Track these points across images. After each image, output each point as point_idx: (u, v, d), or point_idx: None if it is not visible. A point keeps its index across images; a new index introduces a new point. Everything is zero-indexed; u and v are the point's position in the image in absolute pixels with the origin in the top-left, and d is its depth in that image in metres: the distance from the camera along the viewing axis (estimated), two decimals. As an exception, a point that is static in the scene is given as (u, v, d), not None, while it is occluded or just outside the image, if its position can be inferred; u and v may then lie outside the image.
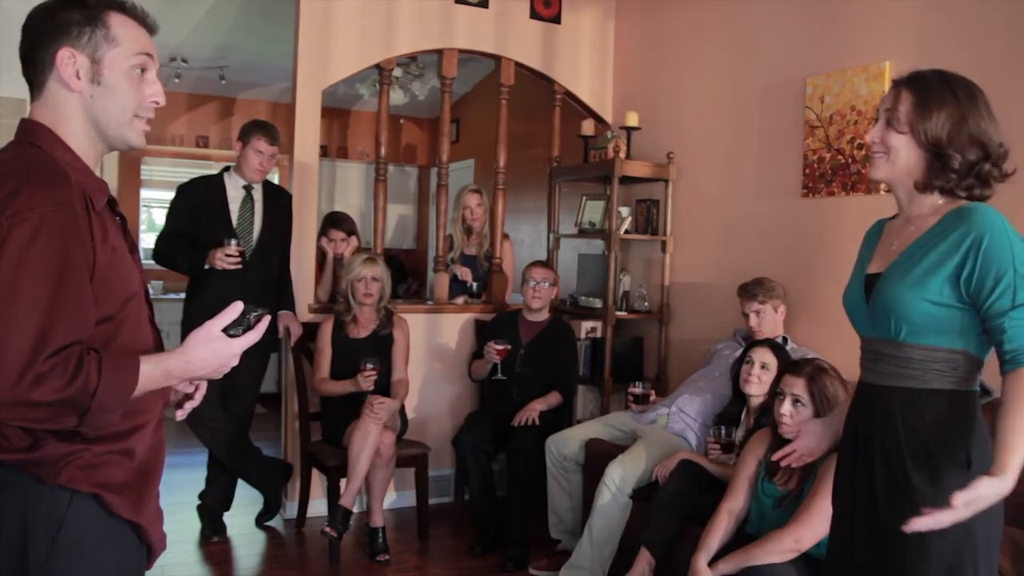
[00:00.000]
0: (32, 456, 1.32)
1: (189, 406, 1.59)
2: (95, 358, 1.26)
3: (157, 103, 1.46)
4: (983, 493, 1.52)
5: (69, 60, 1.37)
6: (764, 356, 3.02)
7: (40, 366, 1.21)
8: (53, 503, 1.34)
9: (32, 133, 1.39)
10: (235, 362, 1.42)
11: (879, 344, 1.76)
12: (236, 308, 1.39)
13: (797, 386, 2.53)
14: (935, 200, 1.74)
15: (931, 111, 1.69)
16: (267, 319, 1.42)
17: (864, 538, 1.77)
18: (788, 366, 2.67)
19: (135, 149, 1.50)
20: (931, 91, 1.70)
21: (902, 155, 1.72)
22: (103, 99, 1.40)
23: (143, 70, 1.44)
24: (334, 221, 4.50)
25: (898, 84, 1.76)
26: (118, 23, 1.41)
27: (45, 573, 1.33)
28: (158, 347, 1.50)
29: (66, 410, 1.25)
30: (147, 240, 7.21)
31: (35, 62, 1.40)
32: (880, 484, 1.72)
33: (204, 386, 1.59)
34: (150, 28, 1.46)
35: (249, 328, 1.40)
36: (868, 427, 1.76)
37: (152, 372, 1.33)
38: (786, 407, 2.52)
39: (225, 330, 1.38)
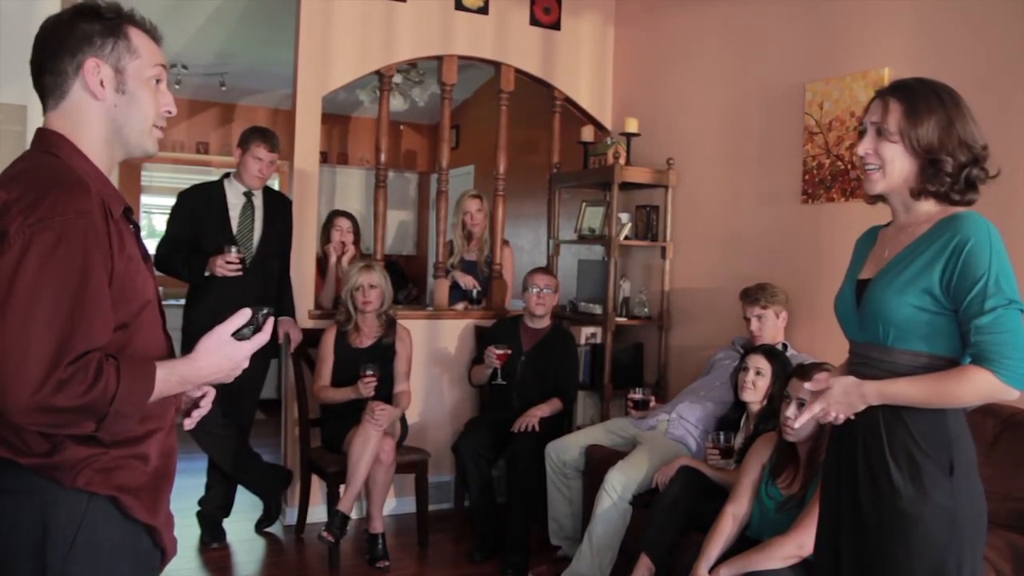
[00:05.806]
0: (52, 460, 1.33)
1: (197, 415, 1.62)
2: (113, 364, 1.28)
3: (170, 112, 1.51)
4: (835, 389, 1.72)
5: (95, 70, 1.41)
6: (759, 363, 3.02)
7: (61, 373, 1.23)
8: (72, 506, 1.35)
9: (49, 143, 1.41)
10: (246, 364, 1.45)
11: (867, 348, 1.78)
12: (244, 314, 1.42)
13: (803, 390, 2.52)
14: (929, 208, 1.76)
15: (921, 117, 1.71)
16: (272, 318, 1.45)
17: (849, 540, 1.78)
18: (796, 370, 2.66)
19: (150, 156, 1.54)
20: (918, 98, 1.73)
21: (896, 165, 1.74)
22: (127, 108, 1.45)
23: (158, 81, 1.48)
24: (338, 212, 4.48)
25: (883, 95, 1.77)
26: (136, 35, 1.46)
27: None
28: (170, 354, 1.51)
29: (85, 415, 1.27)
30: (147, 247, 7.20)
31: (54, 72, 1.42)
32: (863, 487, 1.74)
33: (212, 393, 1.62)
34: (158, 40, 1.51)
35: (258, 329, 1.43)
36: (852, 430, 1.77)
37: (167, 378, 1.36)
38: (791, 410, 2.52)
39: (234, 333, 1.41)
